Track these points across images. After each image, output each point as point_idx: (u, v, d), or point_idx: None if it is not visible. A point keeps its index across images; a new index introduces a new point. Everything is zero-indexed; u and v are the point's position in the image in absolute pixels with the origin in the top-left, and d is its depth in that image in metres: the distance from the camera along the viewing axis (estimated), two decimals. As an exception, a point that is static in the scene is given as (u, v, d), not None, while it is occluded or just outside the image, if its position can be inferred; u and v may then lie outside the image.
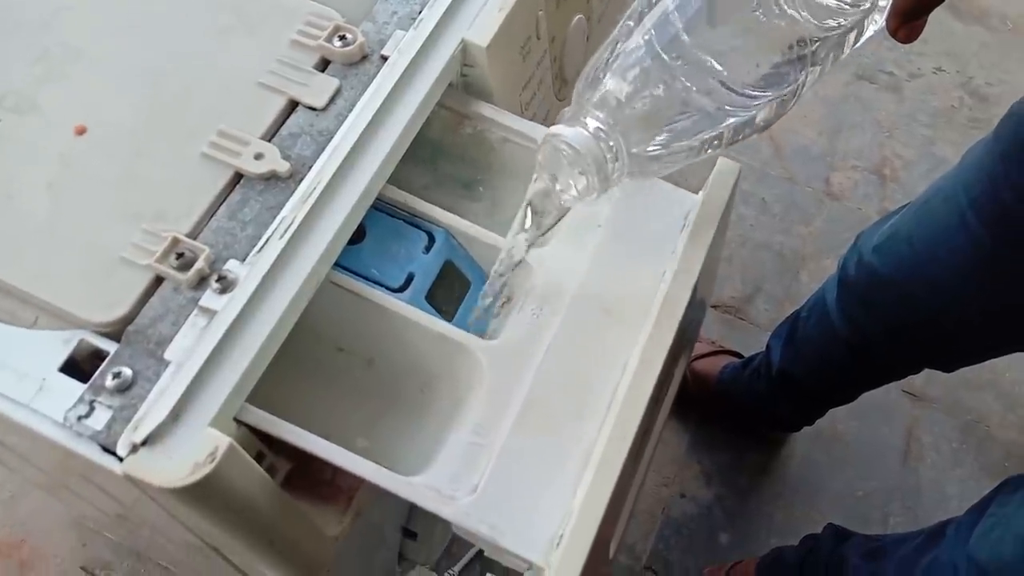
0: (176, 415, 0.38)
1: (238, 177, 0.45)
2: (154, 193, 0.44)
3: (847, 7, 0.41)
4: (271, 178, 0.44)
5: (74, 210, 0.44)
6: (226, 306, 0.40)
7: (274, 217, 0.43)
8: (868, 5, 0.41)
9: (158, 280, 0.42)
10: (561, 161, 0.41)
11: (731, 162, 0.48)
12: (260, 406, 0.42)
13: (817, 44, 0.41)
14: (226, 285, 0.41)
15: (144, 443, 0.37)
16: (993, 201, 0.64)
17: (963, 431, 1.12)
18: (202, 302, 0.40)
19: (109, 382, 0.39)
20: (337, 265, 0.46)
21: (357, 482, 0.46)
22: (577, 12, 0.58)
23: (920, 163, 1.31)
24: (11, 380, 0.39)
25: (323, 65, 0.48)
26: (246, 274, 0.41)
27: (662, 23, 0.41)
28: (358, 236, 0.47)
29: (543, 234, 0.45)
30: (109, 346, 0.41)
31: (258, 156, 0.44)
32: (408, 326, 0.45)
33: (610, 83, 0.41)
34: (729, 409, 1.09)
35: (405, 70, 0.47)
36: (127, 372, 0.39)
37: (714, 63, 0.40)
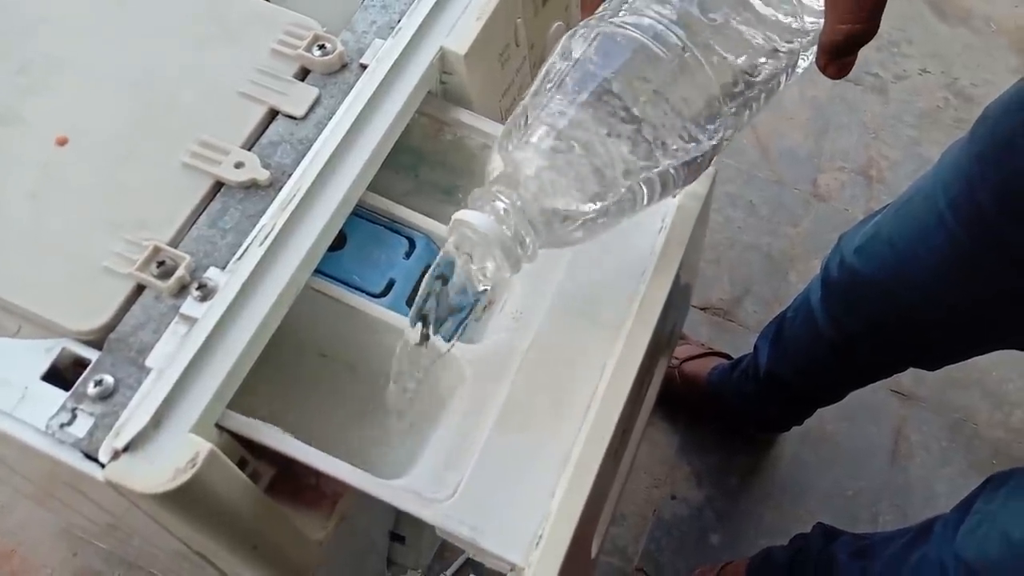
0: (157, 421, 0.38)
1: (218, 186, 0.45)
2: (135, 202, 0.44)
3: (779, 47, 0.40)
4: (251, 186, 0.45)
5: (56, 220, 0.44)
6: (206, 313, 0.41)
7: (254, 225, 0.43)
8: (796, 45, 0.41)
9: (139, 288, 0.42)
10: (471, 245, 0.40)
11: (706, 166, 0.48)
12: (243, 412, 0.42)
13: (751, 87, 0.40)
14: (206, 293, 0.41)
15: (126, 449, 0.38)
16: (970, 202, 0.65)
17: (951, 430, 1.13)
18: (183, 310, 0.41)
19: (91, 390, 0.40)
20: (318, 271, 0.46)
21: (341, 487, 0.46)
22: (556, 19, 0.59)
23: (906, 164, 1.32)
24: (-6, 389, 0.40)
25: (303, 74, 0.49)
26: (226, 281, 0.41)
27: (584, 77, 0.39)
28: (339, 243, 0.48)
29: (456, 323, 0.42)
30: (91, 354, 0.41)
31: (238, 165, 0.45)
32: (389, 331, 0.46)
33: (520, 155, 0.39)
34: (718, 410, 1.10)
35: (384, 78, 0.48)
36: (109, 380, 0.40)
37: (641, 112, 0.38)
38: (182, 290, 0.42)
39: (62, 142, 0.46)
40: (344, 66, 0.49)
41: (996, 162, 0.62)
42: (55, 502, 0.59)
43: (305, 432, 0.45)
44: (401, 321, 0.46)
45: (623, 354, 0.44)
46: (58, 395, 0.40)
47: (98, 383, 0.40)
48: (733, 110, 0.40)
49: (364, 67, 0.49)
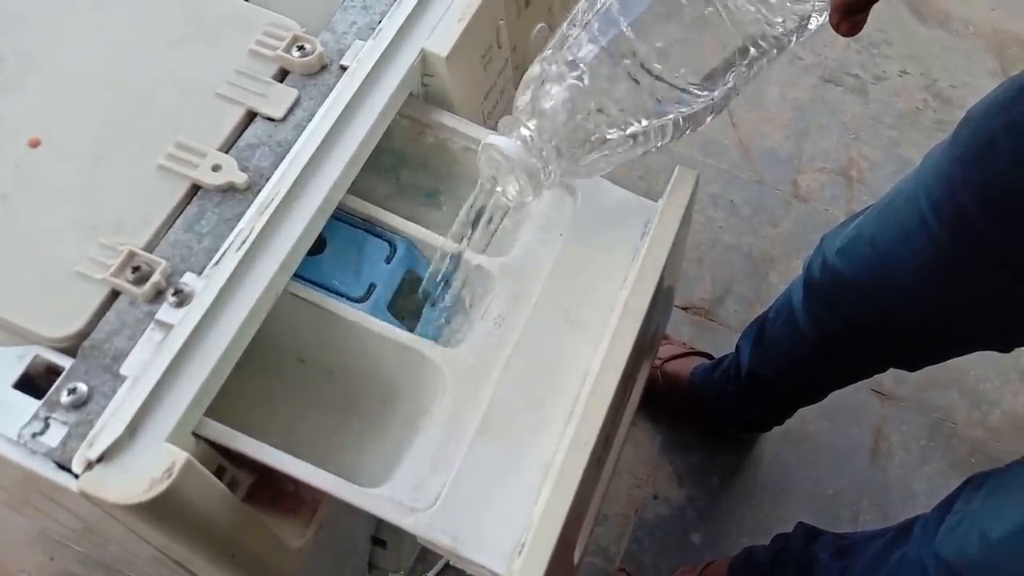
0: (132, 431, 0.38)
1: (195, 189, 0.44)
2: (110, 206, 0.44)
3: (798, 4, 0.42)
4: (228, 190, 0.44)
5: (29, 224, 0.43)
6: (182, 320, 0.40)
7: (231, 229, 0.43)
8: (814, 2, 0.42)
9: (114, 294, 0.41)
10: (497, 168, 0.44)
11: (689, 170, 0.48)
12: (221, 418, 0.42)
13: (767, 41, 0.42)
14: (182, 299, 0.40)
15: (100, 460, 0.37)
16: (952, 203, 0.65)
17: (930, 429, 1.14)
18: (158, 316, 0.40)
19: (64, 398, 0.39)
20: (297, 276, 0.45)
21: (320, 493, 0.46)
22: (539, 20, 0.59)
23: (886, 164, 1.33)
24: (-36, 398, 0.39)
25: (282, 75, 0.48)
26: (203, 287, 0.41)
27: (606, 21, 0.42)
28: (319, 247, 0.47)
29: (478, 235, 0.48)
30: (64, 361, 0.40)
31: (216, 168, 0.44)
32: (369, 336, 0.45)
33: (546, 89, 0.43)
34: (700, 410, 1.10)
35: (364, 80, 0.47)
36: (83, 388, 0.39)
37: (658, 60, 0.42)
38: (158, 296, 0.41)
39: (35, 143, 0.45)
40: (324, 67, 0.48)
41: (977, 164, 0.63)
42: (30, 508, 0.58)
43: (284, 438, 0.45)
44: (381, 327, 0.45)
45: (606, 360, 0.44)
46: (30, 403, 0.39)
47: (72, 391, 0.39)
48: (747, 63, 0.43)
49: (344, 68, 0.48)
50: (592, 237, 0.48)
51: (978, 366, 1.17)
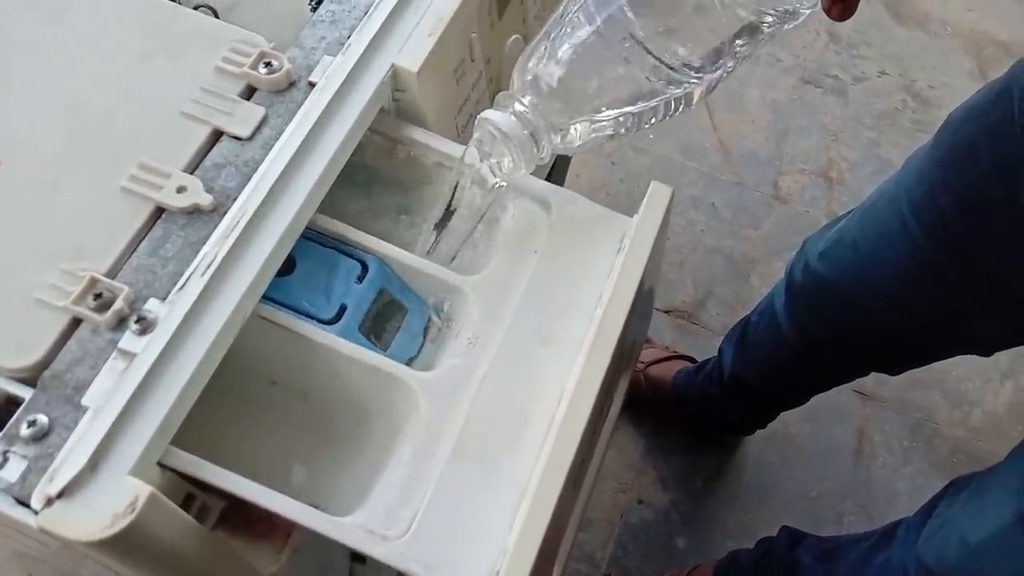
0: (94, 464, 0.37)
1: (159, 211, 0.43)
2: (71, 230, 0.42)
3: None
4: (194, 212, 0.43)
5: (-14, 249, 0.42)
6: (146, 348, 0.39)
7: (196, 253, 0.42)
8: None
9: (75, 322, 0.40)
10: (492, 141, 0.45)
11: (664, 185, 0.48)
12: (190, 444, 0.41)
13: (765, 24, 0.43)
14: (145, 326, 0.39)
15: (60, 495, 0.36)
16: (932, 207, 0.65)
17: (912, 429, 1.15)
18: (121, 344, 0.39)
19: (24, 431, 0.38)
20: (267, 298, 0.45)
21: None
22: (513, 32, 0.58)
23: (866, 165, 1.33)
24: (-81, 431, 0.38)
25: (249, 93, 0.47)
26: (166, 313, 0.40)
27: (603, 4, 0.43)
28: (288, 267, 0.46)
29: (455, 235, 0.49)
30: (24, 392, 0.39)
31: (180, 189, 0.43)
32: (340, 359, 0.45)
33: (542, 65, 0.45)
34: (683, 414, 1.10)
35: (333, 97, 0.46)
36: (43, 419, 0.38)
37: (656, 40, 0.43)
38: (120, 323, 0.40)
39: (-7, 166, 0.44)
40: (292, 84, 0.47)
41: (957, 168, 0.63)
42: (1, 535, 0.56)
43: (256, 463, 0.44)
44: (352, 349, 0.45)
45: (581, 379, 0.43)
46: (-11, 437, 0.38)
47: (31, 423, 0.38)
48: (740, 46, 0.44)
49: (313, 85, 0.47)
50: (567, 254, 0.48)
51: (959, 366, 1.18)
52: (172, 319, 0.39)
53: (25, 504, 0.37)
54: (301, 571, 0.52)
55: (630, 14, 0.43)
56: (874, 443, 1.14)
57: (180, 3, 0.52)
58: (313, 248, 0.48)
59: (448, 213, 0.49)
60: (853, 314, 0.77)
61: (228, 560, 0.43)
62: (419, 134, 0.50)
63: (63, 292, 0.40)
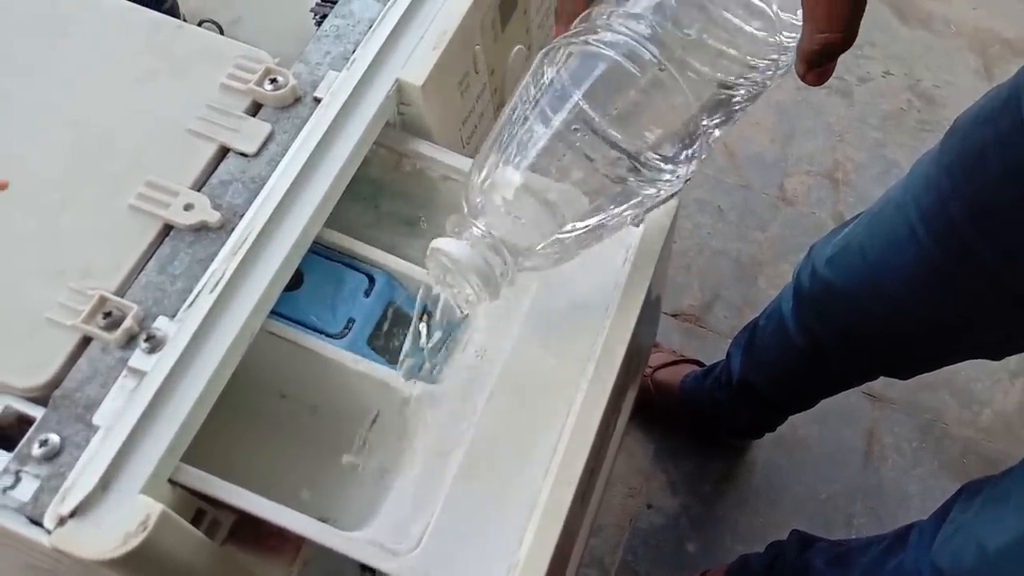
0: (105, 483, 0.37)
1: (167, 229, 0.44)
2: (80, 249, 0.43)
3: (756, 62, 0.40)
4: (201, 229, 0.43)
5: (-3, 269, 0.42)
6: (155, 366, 0.39)
7: (205, 270, 0.42)
8: (772, 61, 0.41)
9: (85, 341, 0.41)
10: (448, 273, 0.41)
11: (669, 196, 0.48)
12: (200, 459, 0.41)
13: (727, 103, 0.40)
14: (155, 344, 0.40)
15: (72, 514, 0.36)
16: (941, 214, 0.65)
17: (922, 430, 1.14)
18: (131, 362, 0.39)
19: (36, 450, 0.38)
20: (275, 313, 0.45)
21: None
22: (517, 43, 0.58)
23: (872, 166, 1.33)
24: (-68, 452, 0.38)
25: (255, 109, 0.48)
26: (176, 331, 0.40)
27: (555, 98, 0.39)
28: (296, 282, 0.46)
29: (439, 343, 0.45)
30: (36, 411, 0.39)
31: (188, 207, 0.43)
32: (348, 373, 0.45)
33: (496, 179, 0.40)
34: (692, 418, 1.10)
35: (339, 112, 0.46)
36: (54, 439, 0.38)
37: (616, 128, 0.38)
38: (130, 341, 0.40)
39: (2, 187, 0.44)
40: (297, 100, 0.48)
41: (966, 174, 0.62)
42: (12, 551, 0.57)
43: (266, 477, 0.44)
44: (360, 363, 0.45)
45: (589, 391, 0.43)
46: (1, 456, 0.38)
47: (43, 443, 0.38)
48: (712, 124, 0.41)
49: (318, 100, 0.48)
50: (573, 267, 0.48)
51: (968, 367, 1.16)
52: (181, 337, 0.40)
53: (38, 523, 0.37)
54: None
55: (585, 104, 0.38)
56: (883, 445, 1.13)
57: (185, 20, 0.53)
58: (321, 262, 0.48)
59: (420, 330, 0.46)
60: (862, 320, 0.77)
61: (239, 575, 0.43)
62: (425, 147, 0.51)
63: (73, 311, 0.41)
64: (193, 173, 0.45)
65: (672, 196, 0.42)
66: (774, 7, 0.40)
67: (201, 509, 0.42)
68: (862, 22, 0.37)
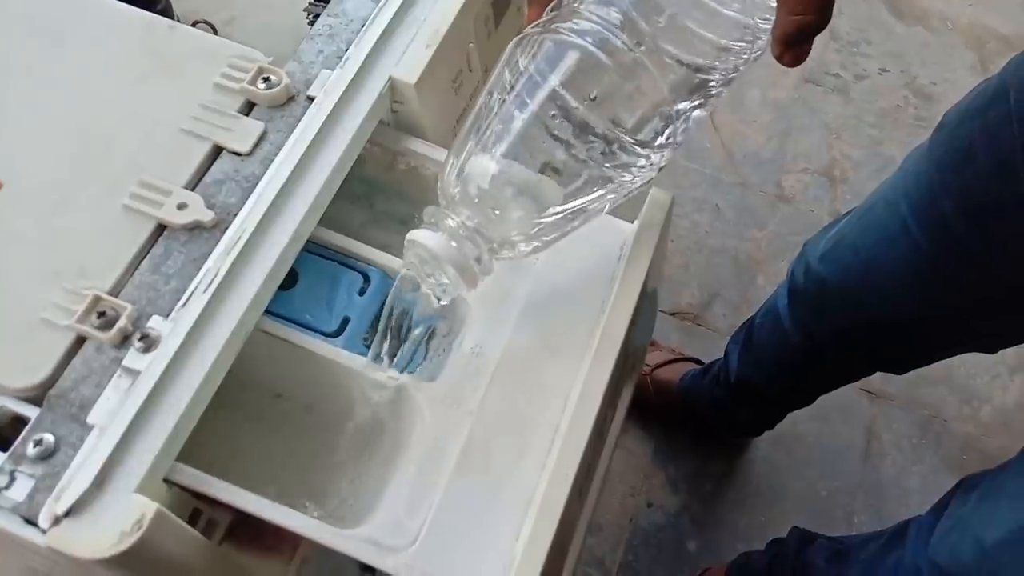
0: (100, 483, 0.37)
1: (161, 228, 0.43)
2: (74, 249, 0.43)
3: (729, 44, 0.40)
4: (195, 228, 0.43)
5: (-9, 269, 0.42)
6: (149, 365, 0.39)
7: (199, 269, 0.42)
8: (746, 44, 0.41)
9: (80, 340, 0.41)
10: (425, 264, 0.41)
11: (663, 192, 0.48)
12: (196, 458, 0.41)
13: (702, 87, 0.41)
14: (149, 343, 0.40)
15: (67, 514, 0.36)
16: (932, 209, 0.65)
17: (921, 426, 1.14)
18: (125, 362, 0.39)
19: (30, 450, 0.38)
20: (269, 312, 0.45)
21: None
22: (510, 41, 0.58)
23: (869, 163, 1.33)
24: (-73, 453, 0.38)
25: (248, 108, 0.48)
26: (170, 330, 0.40)
27: (530, 85, 0.39)
28: (290, 281, 0.46)
29: (407, 347, 0.45)
30: (30, 411, 0.39)
31: (181, 206, 0.43)
32: (343, 372, 0.45)
33: (470, 168, 0.40)
34: (691, 416, 1.10)
35: (332, 110, 0.46)
36: (49, 439, 0.38)
37: (592, 114, 0.39)
38: (124, 341, 0.40)
39: (-4, 187, 0.44)
40: (291, 98, 0.48)
41: (956, 170, 0.62)
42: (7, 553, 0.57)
43: (262, 476, 0.44)
44: (355, 360, 0.45)
45: (585, 387, 0.43)
46: (-4, 456, 0.38)
47: (38, 443, 0.38)
48: (688, 109, 0.41)
49: (311, 99, 0.48)
50: (568, 261, 0.48)
51: (967, 362, 1.17)
52: (175, 336, 0.40)
53: (33, 523, 0.37)
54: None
55: (562, 90, 0.39)
56: (883, 441, 1.13)
57: (179, 21, 0.53)
58: (315, 261, 0.48)
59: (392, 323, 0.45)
60: (856, 315, 0.77)
61: (236, 574, 0.43)
62: (418, 145, 0.51)
63: (67, 311, 0.41)
64: (187, 173, 0.45)
65: (647, 183, 0.42)
66: None
67: (197, 509, 0.42)
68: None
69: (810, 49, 0.39)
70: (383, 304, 0.48)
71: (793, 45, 0.38)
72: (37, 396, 0.40)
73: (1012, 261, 0.62)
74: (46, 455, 0.38)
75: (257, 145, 0.46)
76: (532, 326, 0.46)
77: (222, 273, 0.41)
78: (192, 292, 0.41)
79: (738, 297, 1.21)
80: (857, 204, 0.78)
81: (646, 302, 0.49)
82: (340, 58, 0.49)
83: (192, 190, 0.44)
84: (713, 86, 0.41)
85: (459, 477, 0.42)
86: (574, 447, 0.41)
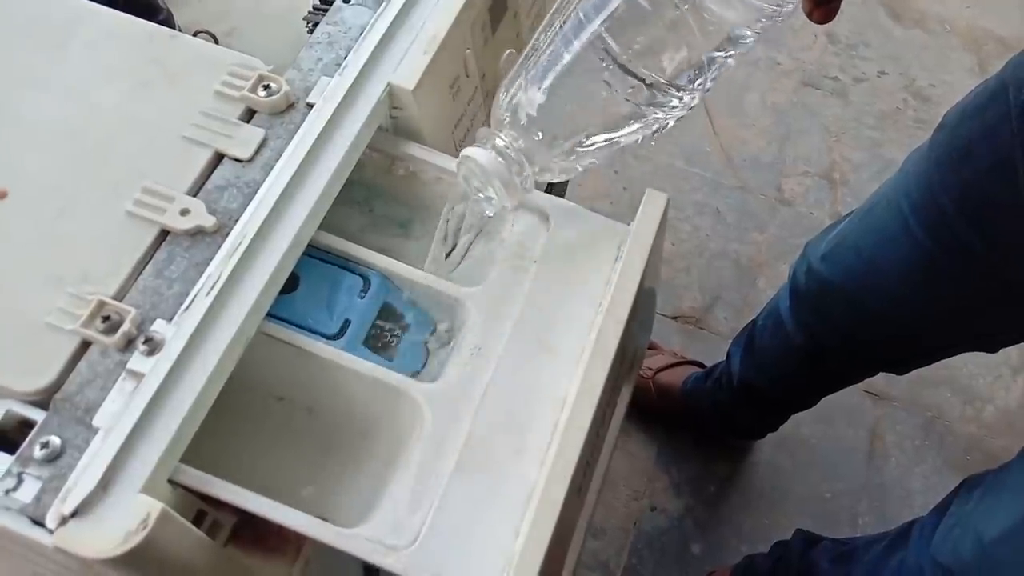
0: (106, 484, 0.37)
1: (164, 234, 0.44)
2: (78, 255, 0.43)
3: (774, 3, 0.43)
4: (197, 233, 0.44)
5: (-3, 276, 0.43)
6: (153, 368, 0.40)
7: (201, 273, 0.43)
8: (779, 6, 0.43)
9: (85, 345, 0.41)
10: (476, 177, 0.46)
11: (659, 192, 0.48)
12: (199, 461, 0.41)
13: (746, 35, 0.44)
14: (153, 347, 0.40)
15: (74, 514, 0.37)
16: (932, 208, 0.65)
17: (924, 428, 1.14)
18: (130, 365, 0.40)
19: (37, 453, 0.39)
20: (271, 315, 0.45)
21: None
22: (507, 47, 0.59)
23: (869, 166, 1.33)
24: (-65, 456, 0.39)
25: (248, 115, 0.48)
26: (173, 334, 0.40)
27: (576, 27, 0.44)
28: (291, 285, 0.47)
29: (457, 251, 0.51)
30: (37, 415, 0.40)
31: (184, 212, 0.44)
32: (344, 373, 0.45)
33: (520, 97, 0.45)
34: (694, 419, 1.10)
35: (331, 117, 0.47)
36: (55, 441, 0.39)
37: (635, 61, 0.43)
38: (128, 345, 0.41)
39: (1, 195, 0.45)
40: (290, 105, 0.48)
41: (955, 168, 0.63)
42: (11, 558, 0.57)
43: (265, 478, 0.44)
44: (356, 363, 0.45)
45: (582, 386, 0.43)
46: (3, 459, 0.39)
47: (44, 445, 0.39)
48: (723, 57, 0.44)
49: (311, 106, 0.48)
50: (566, 263, 0.48)
51: (969, 363, 1.17)
52: (179, 339, 0.40)
53: (40, 524, 0.37)
54: (314, 586, 0.53)
55: (607, 36, 0.43)
56: (886, 443, 1.13)
57: (180, 31, 0.54)
58: (316, 265, 0.48)
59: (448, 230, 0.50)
60: (858, 315, 0.78)
61: (241, 574, 0.43)
62: (417, 150, 0.51)
63: (72, 316, 0.41)
64: (189, 179, 0.46)
65: (677, 120, 0.47)
66: None
67: (202, 510, 0.43)
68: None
69: (839, 6, 0.42)
70: (383, 306, 0.48)
71: (823, 2, 0.41)
72: (43, 400, 0.40)
73: (1012, 260, 0.62)
74: (52, 457, 0.39)
75: (258, 151, 0.47)
76: (530, 327, 0.47)
77: (224, 277, 0.42)
78: (195, 296, 0.42)
79: (739, 300, 1.21)
80: (857, 206, 0.78)
81: (644, 302, 0.50)
82: (339, 65, 0.50)
83: (194, 196, 0.45)
84: (746, 41, 0.44)
85: (459, 476, 0.42)
86: (572, 444, 0.41)
